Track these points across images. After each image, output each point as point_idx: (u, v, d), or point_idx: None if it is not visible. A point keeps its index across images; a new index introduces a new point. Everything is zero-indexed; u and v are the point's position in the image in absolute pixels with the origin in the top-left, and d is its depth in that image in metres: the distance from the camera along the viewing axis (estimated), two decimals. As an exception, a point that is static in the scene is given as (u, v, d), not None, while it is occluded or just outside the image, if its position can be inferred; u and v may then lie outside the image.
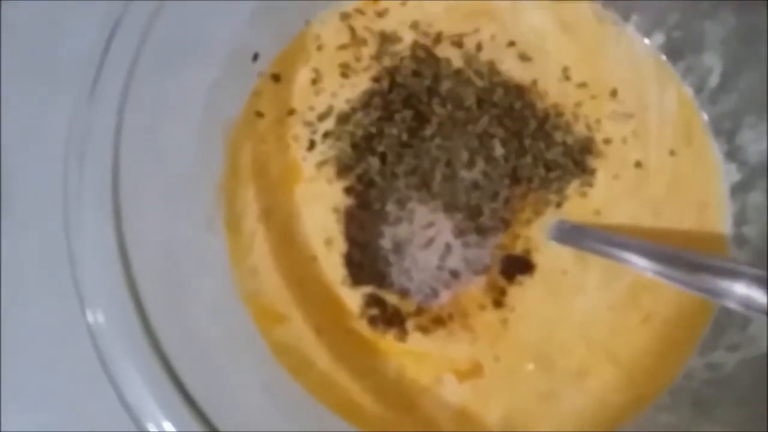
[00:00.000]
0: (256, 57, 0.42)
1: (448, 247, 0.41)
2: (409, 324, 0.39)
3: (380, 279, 0.40)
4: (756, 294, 0.31)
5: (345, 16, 0.44)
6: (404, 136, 0.41)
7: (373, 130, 0.41)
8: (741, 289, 0.32)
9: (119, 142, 0.32)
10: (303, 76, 0.43)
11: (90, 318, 0.30)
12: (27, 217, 0.44)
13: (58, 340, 0.40)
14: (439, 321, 0.40)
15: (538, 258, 0.41)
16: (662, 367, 0.40)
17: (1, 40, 0.46)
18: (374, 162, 0.41)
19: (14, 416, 0.41)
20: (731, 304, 0.32)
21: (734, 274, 0.32)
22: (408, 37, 0.43)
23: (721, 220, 0.42)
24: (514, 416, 0.39)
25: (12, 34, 0.46)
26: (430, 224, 0.41)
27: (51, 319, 0.41)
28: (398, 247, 0.41)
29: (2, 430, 0.41)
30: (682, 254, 0.36)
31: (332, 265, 0.40)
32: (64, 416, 0.41)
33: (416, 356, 0.39)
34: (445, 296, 0.40)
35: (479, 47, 0.43)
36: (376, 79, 0.42)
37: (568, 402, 0.39)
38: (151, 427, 0.28)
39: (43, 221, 0.41)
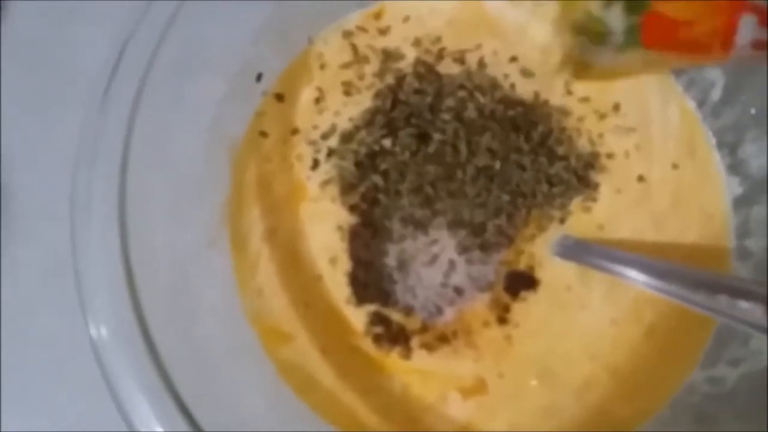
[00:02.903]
0: (259, 77, 0.42)
1: (452, 264, 0.41)
2: (414, 342, 0.40)
3: (385, 297, 0.40)
4: (756, 311, 0.31)
5: (347, 35, 0.44)
6: (407, 154, 0.41)
7: (377, 148, 0.41)
8: (742, 306, 0.32)
9: (127, 158, 0.33)
10: (306, 95, 0.43)
11: (93, 332, 0.30)
12: (31, 230, 0.44)
13: (61, 354, 0.41)
14: (444, 338, 0.40)
15: (542, 274, 0.41)
16: (664, 380, 0.40)
17: (6, 53, 0.46)
18: (378, 180, 0.41)
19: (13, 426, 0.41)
20: (732, 322, 0.32)
21: (736, 292, 0.32)
22: (410, 54, 0.44)
23: (724, 234, 0.42)
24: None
25: (19, 48, 0.46)
26: (434, 241, 0.41)
27: (54, 332, 0.41)
28: (402, 265, 0.41)
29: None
30: (684, 271, 0.36)
31: (337, 284, 0.41)
32: (65, 429, 0.41)
33: (421, 374, 0.40)
34: (449, 313, 0.40)
35: (481, 63, 0.44)
36: (379, 97, 0.42)
37: (571, 416, 0.39)
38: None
39: (47, 234, 0.41)
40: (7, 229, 0.44)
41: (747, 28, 0.35)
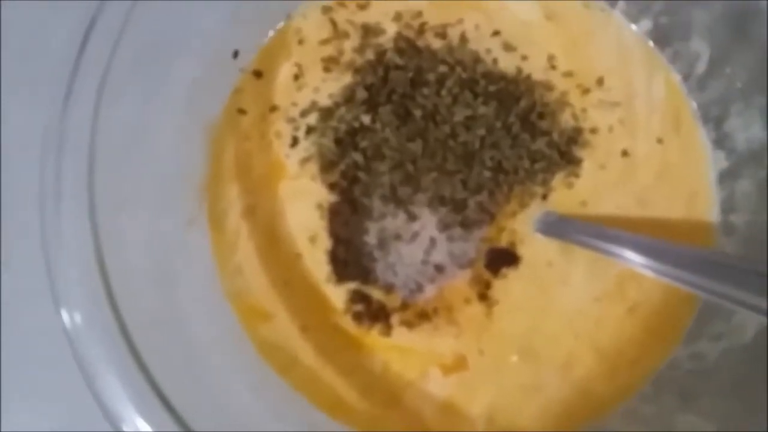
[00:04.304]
0: (236, 54, 0.41)
1: (432, 242, 0.41)
2: (394, 319, 0.40)
3: (365, 275, 0.40)
4: (741, 287, 0.31)
5: (326, 10, 0.43)
6: (388, 131, 0.41)
7: (357, 125, 0.41)
8: (727, 282, 0.31)
9: (95, 142, 0.32)
10: (285, 71, 0.43)
11: (66, 320, 0.30)
12: (27, 222, 0.44)
13: (61, 349, 0.40)
14: (424, 315, 0.40)
15: (523, 250, 0.41)
16: (647, 357, 0.40)
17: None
18: (358, 157, 0.41)
19: (14, 416, 0.41)
20: (717, 298, 0.32)
21: (721, 267, 0.32)
22: (391, 29, 0.43)
23: (709, 209, 0.42)
24: (499, 408, 0.39)
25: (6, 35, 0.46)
26: (415, 219, 0.41)
27: (53, 327, 0.41)
28: (383, 243, 0.41)
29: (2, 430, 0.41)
30: (669, 247, 0.35)
31: (317, 262, 0.40)
32: (62, 418, 0.41)
33: (401, 351, 0.40)
34: (430, 291, 0.40)
35: (463, 37, 0.43)
36: (359, 73, 0.42)
37: (553, 393, 0.39)
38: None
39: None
40: (5, 220, 0.44)
41: None
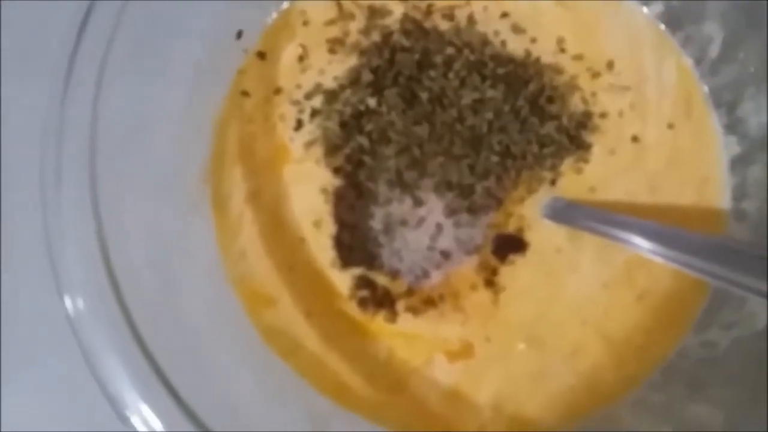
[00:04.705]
0: (240, 34, 0.41)
1: (439, 227, 0.40)
2: (400, 305, 0.39)
3: (370, 260, 0.40)
4: (752, 274, 0.30)
5: (332, -10, 0.43)
6: (393, 114, 0.40)
7: (362, 108, 0.40)
8: (738, 269, 0.31)
9: (96, 127, 0.31)
10: (289, 53, 0.42)
11: (69, 306, 0.30)
12: (25, 216, 0.43)
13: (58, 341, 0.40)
14: (430, 302, 0.39)
15: (531, 236, 0.40)
16: (656, 345, 0.39)
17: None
18: (363, 141, 0.40)
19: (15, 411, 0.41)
20: (728, 285, 0.31)
21: (732, 254, 0.31)
22: (397, 10, 0.42)
23: (720, 195, 0.41)
24: (505, 396, 0.39)
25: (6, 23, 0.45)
26: (421, 204, 0.40)
27: (49, 320, 0.40)
28: (388, 228, 0.40)
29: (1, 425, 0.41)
30: (680, 233, 0.35)
31: (321, 247, 0.40)
32: (62, 407, 0.41)
33: (407, 337, 0.39)
34: (436, 277, 0.40)
35: (471, 19, 0.42)
36: (365, 55, 0.41)
37: (560, 381, 0.39)
38: (135, 420, 0.28)
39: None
40: (5, 220, 0.43)
41: None
